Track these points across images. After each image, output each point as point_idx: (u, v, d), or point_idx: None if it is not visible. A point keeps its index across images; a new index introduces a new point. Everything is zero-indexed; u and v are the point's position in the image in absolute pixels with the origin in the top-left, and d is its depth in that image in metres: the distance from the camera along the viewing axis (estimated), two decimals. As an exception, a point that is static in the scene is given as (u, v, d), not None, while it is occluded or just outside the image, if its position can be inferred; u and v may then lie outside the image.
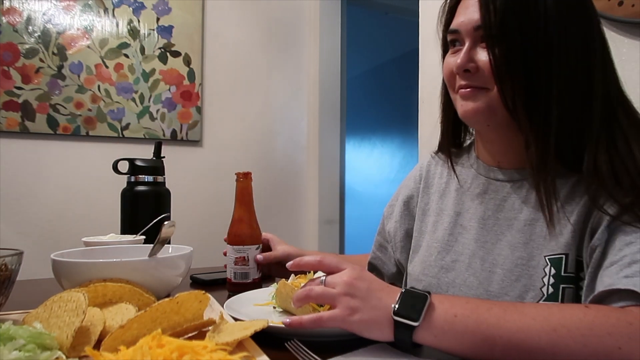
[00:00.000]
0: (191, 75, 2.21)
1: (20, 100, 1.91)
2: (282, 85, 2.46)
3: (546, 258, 0.65)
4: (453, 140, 0.82)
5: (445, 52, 0.76)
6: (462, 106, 0.70)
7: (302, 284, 0.63)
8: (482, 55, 0.66)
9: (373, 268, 0.96)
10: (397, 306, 0.54)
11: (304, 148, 2.52)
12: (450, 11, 0.73)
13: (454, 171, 0.81)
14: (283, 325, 0.57)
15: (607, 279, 0.56)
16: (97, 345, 0.49)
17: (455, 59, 0.69)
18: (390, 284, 0.60)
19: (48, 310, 0.54)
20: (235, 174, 0.92)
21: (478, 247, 0.73)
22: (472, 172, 0.80)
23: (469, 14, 0.67)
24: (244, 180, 0.91)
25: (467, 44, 0.67)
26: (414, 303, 0.54)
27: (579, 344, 0.49)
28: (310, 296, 0.58)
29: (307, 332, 0.57)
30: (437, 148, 0.87)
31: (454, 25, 0.70)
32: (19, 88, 1.91)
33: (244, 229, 0.90)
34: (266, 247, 0.99)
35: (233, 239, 0.90)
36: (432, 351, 0.55)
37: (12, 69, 1.90)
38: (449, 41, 0.72)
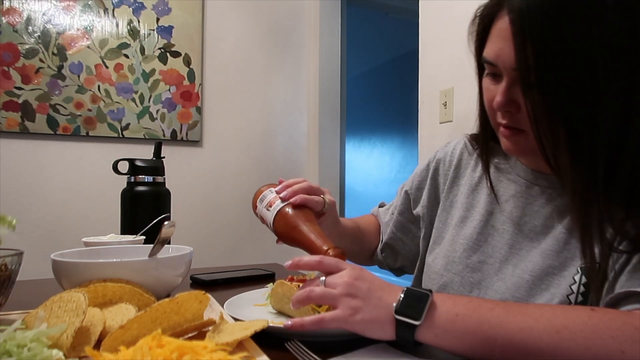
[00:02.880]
0: (191, 75, 2.21)
1: (20, 101, 1.91)
2: (282, 85, 2.46)
3: (579, 268, 0.62)
4: (492, 134, 0.74)
5: (480, 68, 0.70)
6: (504, 143, 0.67)
7: (301, 285, 0.63)
8: (522, 98, 0.61)
9: (388, 247, 0.94)
10: (398, 305, 0.54)
11: (304, 148, 2.52)
12: (483, 32, 0.66)
13: (488, 174, 0.77)
14: (283, 326, 0.56)
15: (627, 282, 0.56)
16: (97, 346, 0.49)
17: (495, 90, 0.64)
18: (393, 281, 0.59)
19: (48, 310, 0.54)
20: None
21: (512, 253, 0.70)
22: (509, 173, 0.76)
23: (505, 50, 0.60)
24: None
25: (505, 82, 0.62)
26: (416, 302, 0.54)
27: (581, 346, 0.49)
28: (310, 297, 0.57)
29: (308, 333, 0.57)
30: (472, 134, 0.82)
31: (490, 56, 0.63)
32: (19, 88, 1.91)
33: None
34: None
35: None
36: (433, 351, 0.55)
37: (12, 69, 1.90)
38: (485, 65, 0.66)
